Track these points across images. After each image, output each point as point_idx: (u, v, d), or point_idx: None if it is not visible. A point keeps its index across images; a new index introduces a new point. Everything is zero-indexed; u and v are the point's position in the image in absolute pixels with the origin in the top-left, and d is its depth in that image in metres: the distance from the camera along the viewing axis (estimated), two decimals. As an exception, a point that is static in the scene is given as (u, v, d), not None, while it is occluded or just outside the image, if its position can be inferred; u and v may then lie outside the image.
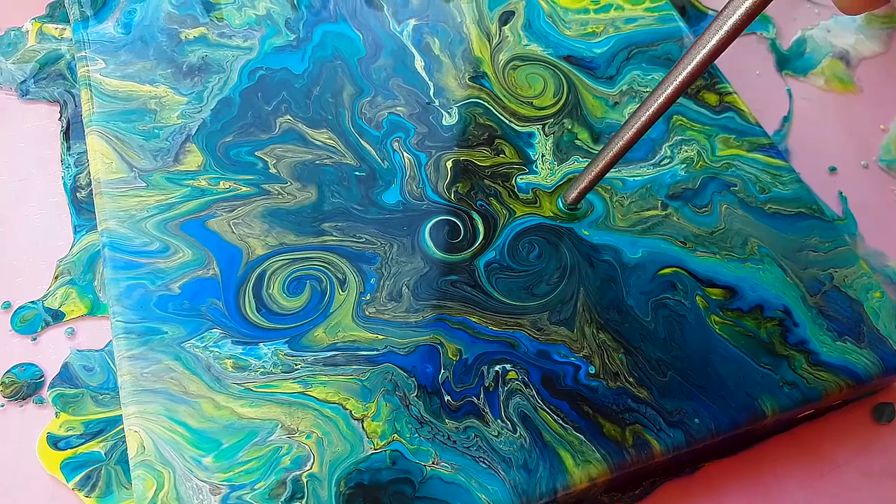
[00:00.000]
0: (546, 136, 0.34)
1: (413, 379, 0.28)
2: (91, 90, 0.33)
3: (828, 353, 0.30)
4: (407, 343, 0.28)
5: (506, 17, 0.38)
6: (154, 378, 0.27)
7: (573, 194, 0.32)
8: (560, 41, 0.37)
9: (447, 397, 0.28)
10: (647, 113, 0.28)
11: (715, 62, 0.38)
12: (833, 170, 0.38)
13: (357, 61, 0.35)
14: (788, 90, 0.41)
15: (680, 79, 0.27)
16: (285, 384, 0.27)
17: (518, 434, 0.27)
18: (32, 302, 0.31)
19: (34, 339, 0.30)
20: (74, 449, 0.28)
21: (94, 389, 0.29)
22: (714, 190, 0.34)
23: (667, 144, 0.35)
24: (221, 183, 0.31)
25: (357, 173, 0.32)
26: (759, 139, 0.35)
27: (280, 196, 0.31)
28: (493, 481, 0.26)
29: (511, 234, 0.31)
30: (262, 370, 0.27)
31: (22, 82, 0.36)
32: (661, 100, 0.27)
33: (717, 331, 0.30)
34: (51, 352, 0.30)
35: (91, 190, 0.33)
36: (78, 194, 0.33)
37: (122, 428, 0.28)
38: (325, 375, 0.28)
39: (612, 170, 0.30)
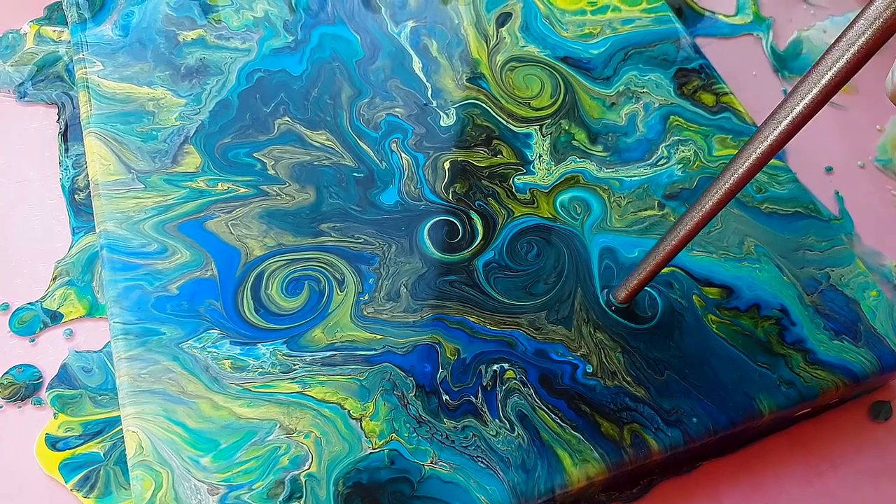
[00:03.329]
0: (543, 136, 0.34)
1: (411, 378, 0.28)
2: (89, 92, 0.33)
3: (825, 351, 0.30)
4: (405, 343, 0.29)
5: (503, 19, 0.38)
6: (152, 379, 0.27)
7: (623, 293, 0.30)
8: (557, 42, 0.37)
9: (445, 397, 0.28)
10: (701, 212, 0.25)
11: (711, 62, 0.38)
12: (829, 170, 0.38)
13: (355, 63, 0.35)
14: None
15: (729, 183, 0.24)
16: (284, 384, 0.27)
17: (516, 433, 0.27)
18: (31, 303, 0.31)
19: (32, 341, 0.30)
20: (73, 450, 0.28)
21: (93, 390, 0.29)
22: (711, 190, 0.34)
23: (664, 145, 0.35)
24: (220, 184, 0.31)
25: (355, 174, 0.32)
26: (756, 139, 0.35)
27: (278, 197, 0.31)
28: (491, 481, 0.26)
29: (510, 234, 0.32)
30: (260, 370, 0.27)
31: (20, 84, 0.36)
32: (717, 196, 0.24)
33: (715, 330, 0.30)
34: (49, 353, 0.30)
35: (89, 192, 0.33)
36: (76, 196, 0.34)
37: (121, 428, 0.28)
38: (324, 375, 0.28)
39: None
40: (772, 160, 0.35)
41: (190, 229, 0.30)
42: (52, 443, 0.28)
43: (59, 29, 0.38)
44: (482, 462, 0.26)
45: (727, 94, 0.37)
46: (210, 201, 0.31)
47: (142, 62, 0.34)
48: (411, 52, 0.36)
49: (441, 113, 0.34)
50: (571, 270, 0.31)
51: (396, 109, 0.34)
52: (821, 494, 0.30)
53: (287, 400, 0.27)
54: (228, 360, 0.28)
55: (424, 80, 0.35)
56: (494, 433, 0.27)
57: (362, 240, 0.31)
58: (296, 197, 0.31)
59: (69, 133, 0.35)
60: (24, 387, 0.29)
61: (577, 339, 0.29)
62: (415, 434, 0.27)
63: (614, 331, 0.30)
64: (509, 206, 0.32)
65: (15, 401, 0.29)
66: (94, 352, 0.30)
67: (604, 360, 0.29)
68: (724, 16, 0.43)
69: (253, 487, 0.25)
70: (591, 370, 0.29)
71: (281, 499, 0.25)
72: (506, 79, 0.36)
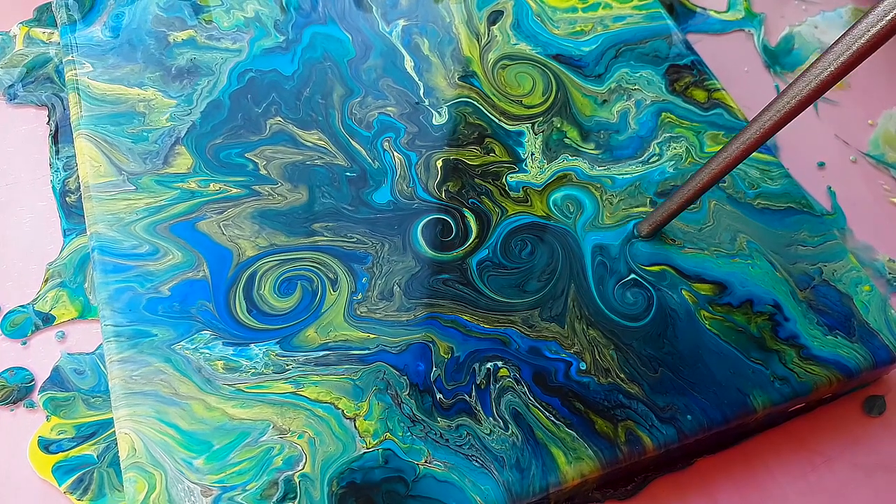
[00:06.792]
0: (535, 134, 0.34)
1: (405, 377, 0.28)
2: (79, 94, 0.33)
3: (819, 347, 0.30)
4: (398, 342, 0.28)
5: (494, 17, 0.38)
6: (144, 380, 0.27)
7: (646, 227, 0.31)
8: (549, 40, 0.37)
9: (439, 395, 0.28)
10: (735, 148, 0.26)
11: (703, 59, 0.38)
12: (822, 165, 0.39)
13: (347, 62, 0.35)
14: (776, 86, 0.41)
15: (770, 120, 0.24)
16: (277, 384, 0.27)
17: (510, 432, 0.27)
18: (23, 306, 0.31)
19: (24, 343, 0.30)
20: (66, 452, 0.28)
21: (86, 392, 0.29)
22: (703, 186, 0.34)
23: (656, 142, 0.35)
24: (211, 185, 0.31)
25: (348, 173, 0.32)
26: (748, 135, 0.35)
27: (270, 197, 0.31)
28: (486, 480, 0.26)
29: (504, 232, 0.31)
30: (253, 371, 0.27)
31: (10, 86, 0.36)
32: (756, 133, 0.25)
33: (708, 326, 0.30)
34: (41, 355, 0.30)
35: (80, 193, 0.33)
36: (67, 198, 0.33)
37: (114, 430, 0.28)
38: (317, 375, 0.28)
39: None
40: (764, 156, 0.35)
41: (181, 230, 0.30)
42: (45, 445, 0.28)
43: (48, 30, 0.38)
44: (476, 461, 0.26)
45: (719, 90, 0.37)
46: (202, 202, 0.31)
47: (132, 63, 0.34)
48: (403, 50, 0.36)
49: (433, 111, 0.34)
50: (564, 268, 0.31)
51: (388, 108, 0.34)
52: (815, 489, 0.30)
53: (280, 400, 0.27)
54: (221, 361, 0.27)
55: (416, 79, 0.35)
56: (488, 431, 0.27)
57: (355, 239, 0.31)
58: (288, 197, 0.31)
59: (59, 135, 0.35)
60: (16, 390, 0.29)
61: (571, 336, 0.29)
62: (409, 433, 0.27)
63: (607, 328, 0.30)
64: (503, 204, 0.32)
65: (7, 404, 0.29)
66: (87, 354, 0.30)
67: (597, 357, 0.29)
68: (716, 12, 0.43)
69: (246, 488, 0.25)
70: (584, 367, 0.29)
71: (275, 499, 0.25)
72: (498, 77, 0.36)
